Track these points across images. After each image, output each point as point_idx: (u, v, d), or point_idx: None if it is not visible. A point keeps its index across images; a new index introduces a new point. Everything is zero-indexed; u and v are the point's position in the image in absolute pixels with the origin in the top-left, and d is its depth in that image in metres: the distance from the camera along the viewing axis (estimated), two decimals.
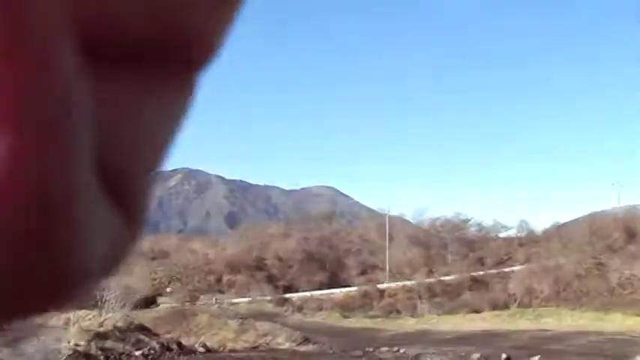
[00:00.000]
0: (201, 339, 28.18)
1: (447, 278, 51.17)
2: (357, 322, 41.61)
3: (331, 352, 27.67)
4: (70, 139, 0.26)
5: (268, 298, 50.45)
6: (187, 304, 43.05)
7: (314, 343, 28.74)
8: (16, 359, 21.13)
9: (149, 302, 46.89)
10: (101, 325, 22.68)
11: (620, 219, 54.97)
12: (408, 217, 75.29)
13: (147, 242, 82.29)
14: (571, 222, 66.26)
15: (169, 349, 25.31)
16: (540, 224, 75.16)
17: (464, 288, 48.86)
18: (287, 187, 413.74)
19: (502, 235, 67.25)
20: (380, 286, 53.71)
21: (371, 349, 27.42)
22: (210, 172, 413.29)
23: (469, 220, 66.05)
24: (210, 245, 73.85)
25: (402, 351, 26.97)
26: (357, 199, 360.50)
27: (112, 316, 24.36)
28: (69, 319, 25.24)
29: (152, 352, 24.19)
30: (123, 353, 22.90)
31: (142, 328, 25.76)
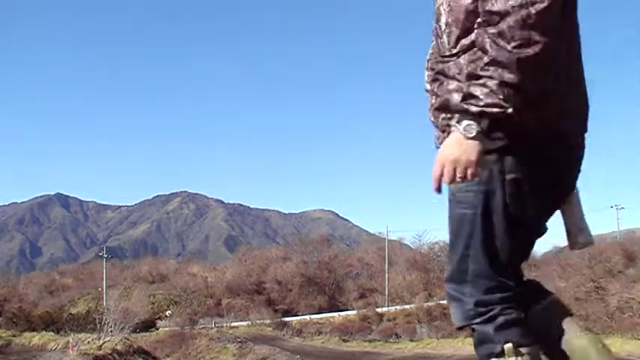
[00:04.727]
0: None
1: (446, 302, 50.98)
2: (356, 345, 41.47)
3: None
4: None
5: (267, 321, 50.26)
6: (186, 327, 42.87)
7: None
8: None
9: (148, 326, 46.74)
10: (100, 348, 22.61)
11: (620, 243, 55.00)
12: (407, 241, 75.27)
13: (146, 266, 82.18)
14: None
15: None
16: (539, 248, 74.92)
17: None
18: (286, 211, 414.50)
19: None
20: (379, 309, 53.52)
21: None
22: (210, 195, 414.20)
23: None
24: (210, 269, 73.72)
25: None
26: (356, 222, 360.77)
27: (111, 340, 24.32)
28: (67, 342, 25.23)
29: None
30: None
31: (142, 352, 25.72)
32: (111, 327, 25.67)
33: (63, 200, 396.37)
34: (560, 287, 42.82)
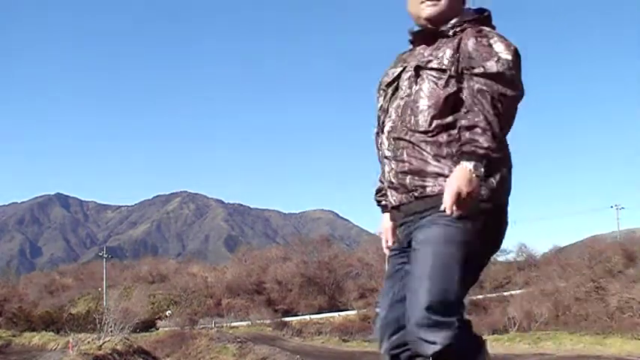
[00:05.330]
0: None
1: None
2: (356, 345, 41.46)
3: None
4: None
5: (267, 321, 50.25)
6: (186, 327, 42.86)
7: None
8: None
9: (148, 326, 46.72)
10: (100, 348, 22.61)
11: (620, 243, 54.95)
12: None
13: (146, 266, 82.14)
14: (570, 246, 66.17)
15: None
16: (539, 248, 74.95)
17: None
18: (286, 211, 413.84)
19: (501, 259, 67.08)
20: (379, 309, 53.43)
21: None
22: (210, 195, 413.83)
23: None
24: (210, 269, 73.67)
25: None
26: (356, 223, 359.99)
27: (111, 340, 24.33)
28: (67, 342, 25.22)
29: None
30: None
31: (142, 352, 25.73)
32: (111, 327, 25.66)
33: (63, 200, 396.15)
34: (560, 287, 42.87)
